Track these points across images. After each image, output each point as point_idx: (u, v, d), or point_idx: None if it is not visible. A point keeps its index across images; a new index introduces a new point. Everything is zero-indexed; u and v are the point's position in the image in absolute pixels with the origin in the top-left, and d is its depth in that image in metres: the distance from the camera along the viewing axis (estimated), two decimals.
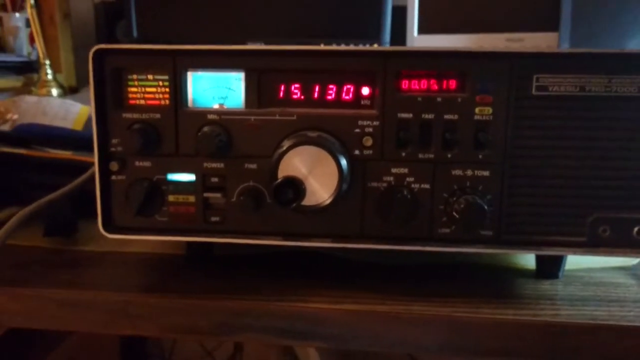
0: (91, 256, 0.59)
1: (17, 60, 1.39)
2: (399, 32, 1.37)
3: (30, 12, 1.31)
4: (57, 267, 0.55)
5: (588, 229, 0.47)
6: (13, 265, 0.56)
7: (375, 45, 1.31)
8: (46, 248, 0.60)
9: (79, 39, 1.60)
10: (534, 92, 0.46)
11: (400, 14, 1.37)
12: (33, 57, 1.46)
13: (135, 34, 1.40)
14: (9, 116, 0.82)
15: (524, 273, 0.55)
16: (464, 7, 1.34)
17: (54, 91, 1.28)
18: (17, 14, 1.47)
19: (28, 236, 0.61)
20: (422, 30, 1.36)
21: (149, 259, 0.58)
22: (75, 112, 0.78)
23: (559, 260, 0.53)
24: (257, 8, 1.36)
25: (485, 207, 0.45)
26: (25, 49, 1.48)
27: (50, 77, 1.28)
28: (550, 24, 1.19)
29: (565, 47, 1.13)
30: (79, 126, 0.75)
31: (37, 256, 0.58)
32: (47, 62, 1.29)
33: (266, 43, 1.40)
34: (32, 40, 1.46)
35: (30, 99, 1.11)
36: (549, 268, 0.54)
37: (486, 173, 0.47)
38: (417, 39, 1.37)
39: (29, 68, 1.39)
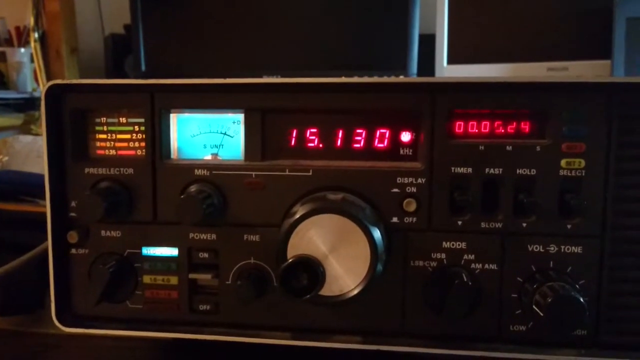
0: (54, 343, 0.47)
1: (18, 97, 1.32)
2: (427, 63, 1.27)
3: (33, 46, 1.24)
4: None
5: None
6: None
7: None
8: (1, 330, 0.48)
9: (87, 73, 1.54)
10: None
11: (428, 42, 1.27)
12: (37, 94, 1.39)
13: (143, 68, 1.32)
14: None
15: None
16: (498, 34, 1.23)
17: (34, 127, 1.20)
18: (22, 49, 1.41)
19: None
20: (452, 60, 1.26)
21: (124, 347, 0.46)
22: None
23: None
24: (273, 39, 1.28)
25: (582, 301, 0.32)
26: (30, 84, 1.42)
27: None
28: (599, 50, 1.07)
29: (621, 76, 1.00)
30: None
31: None
32: None
33: (283, 76, 1.31)
34: (37, 75, 1.39)
35: (24, 139, 1.02)
36: None
37: (578, 249, 0.35)
38: (446, 70, 1.27)
39: (31, 105, 1.32)
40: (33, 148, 1.01)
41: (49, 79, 1.28)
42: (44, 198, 0.58)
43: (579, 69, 1.15)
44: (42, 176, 0.49)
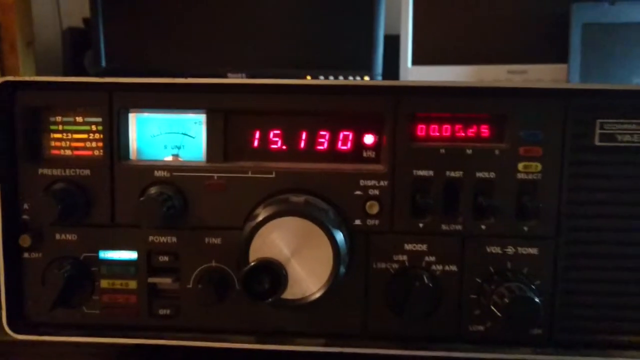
0: (5, 350, 0.45)
1: None
2: (391, 63, 1.28)
3: None
4: None
5: None
6: None
7: (367, 78, 1.21)
8: None
9: (44, 68, 1.48)
10: (597, 142, 0.35)
11: (392, 44, 1.28)
12: None
13: (103, 63, 1.28)
14: None
15: None
16: (461, 37, 1.25)
17: None
18: None
19: None
20: (416, 61, 1.27)
21: (77, 352, 0.44)
22: None
23: None
24: (238, 37, 1.26)
25: (538, 301, 0.33)
26: None
27: None
28: (557, 55, 1.10)
29: (576, 81, 1.03)
30: None
31: None
32: None
33: (248, 75, 1.29)
34: None
35: None
36: None
37: (534, 251, 0.36)
38: (411, 71, 1.28)
39: None
40: None
41: (3, 73, 1.23)
42: None
43: (538, 72, 1.18)
44: None
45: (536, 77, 1.18)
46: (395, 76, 1.30)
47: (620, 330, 0.36)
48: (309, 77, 1.24)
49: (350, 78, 1.24)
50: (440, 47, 1.27)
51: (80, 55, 1.43)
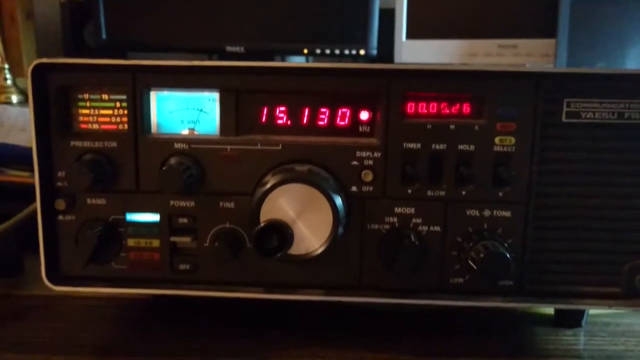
0: (38, 303, 0.50)
1: None
2: (387, 37, 1.31)
3: None
4: None
5: (624, 278, 0.40)
6: None
7: (363, 52, 1.24)
8: None
9: (43, 41, 1.50)
10: (564, 118, 0.39)
11: (387, 18, 1.30)
12: None
13: (103, 36, 1.30)
14: None
15: (542, 320, 0.49)
16: (454, 12, 1.28)
17: (14, 98, 1.18)
18: None
19: None
20: (410, 35, 1.30)
21: (106, 305, 0.50)
22: None
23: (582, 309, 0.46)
24: (236, 11, 1.28)
25: (509, 256, 0.38)
26: None
27: (9, 82, 1.18)
28: (546, 30, 1.14)
29: (564, 56, 1.07)
30: None
31: None
32: (6, 65, 1.18)
33: (246, 48, 1.31)
34: None
35: (11, 111, 1.00)
36: (572, 316, 0.47)
37: (507, 214, 0.40)
38: (405, 45, 1.31)
39: None
40: (16, 122, 1.00)
41: (4, 46, 1.25)
42: (29, 170, 0.60)
43: (527, 46, 1.21)
44: (27, 149, 0.51)
45: (526, 51, 1.22)
46: (390, 50, 1.33)
47: (580, 282, 0.41)
48: (305, 51, 1.26)
49: (346, 52, 1.27)
50: (434, 22, 1.31)
51: (79, 27, 1.44)
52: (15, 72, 1.23)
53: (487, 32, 1.26)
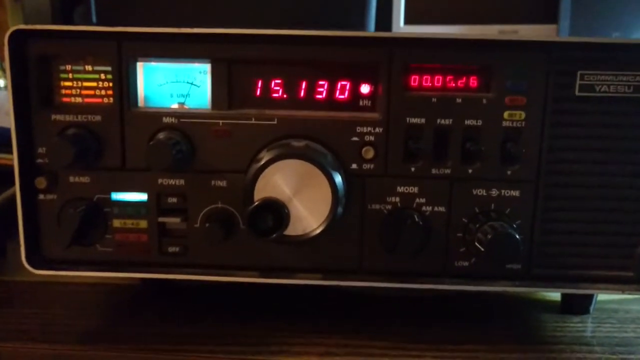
0: (20, 289, 0.48)
1: None
2: (384, 23, 1.28)
3: None
4: None
5: (638, 262, 0.38)
6: None
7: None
8: None
9: (32, 24, 1.45)
10: (577, 92, 0.37)
11: (385, 2, 1.28)
12: None
13: (94, 19, 1.27)
14: None
15: (548, 306, 0.47)
16: None
17: (1, 82, 1.14)
18: None
19: None
20: (408, 20, 1.27)
21: (91, 291, 0.47)
22: None
23: (591, 294, 0.44)
24: None
25: (518, 238, 0.36)
26: None
27: None
28: (547, 15, 1.11)
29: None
30: None
31: None
32: None
33: None
34: None
35: None
36: (579, 302, 0.45)
37: (516, 193, 0.39)
38: (403, 30, 1.28)
39: None
40: (3, 106, 0.97)
41: None
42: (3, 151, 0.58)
43: (528, 32, 1.19)
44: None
45: (527, 37, 1.20)
46: None
47: (591, 266, 0.39)
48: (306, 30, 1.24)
49: None
50: (432, 7, 1.28)
51: (69, 10, 1.41)
52: (3, 55, 1.19)
53: (487, 18, 1.23)
